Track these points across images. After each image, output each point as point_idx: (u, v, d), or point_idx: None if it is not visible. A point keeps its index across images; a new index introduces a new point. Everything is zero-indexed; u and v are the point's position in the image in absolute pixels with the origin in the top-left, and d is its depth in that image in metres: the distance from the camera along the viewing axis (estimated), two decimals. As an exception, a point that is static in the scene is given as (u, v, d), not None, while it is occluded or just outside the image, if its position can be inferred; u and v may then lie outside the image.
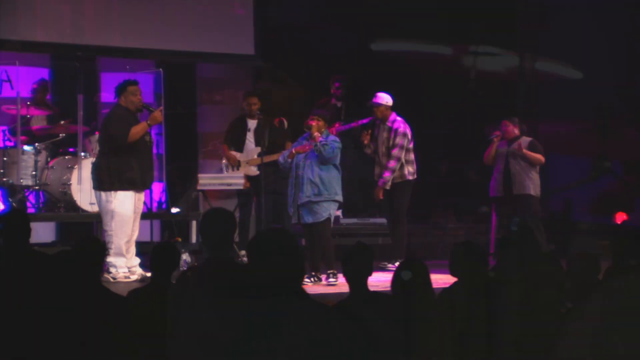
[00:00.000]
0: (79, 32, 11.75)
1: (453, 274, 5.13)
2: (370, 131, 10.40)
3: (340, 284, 8.36)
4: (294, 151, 9.00)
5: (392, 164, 10.13)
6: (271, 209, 10.46)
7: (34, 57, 11.87)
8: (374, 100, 10.30)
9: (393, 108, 10.32)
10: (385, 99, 10.29)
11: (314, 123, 9.04)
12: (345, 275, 5.07)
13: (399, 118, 10.27)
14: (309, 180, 8.96)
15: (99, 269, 5.25)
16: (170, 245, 5.80)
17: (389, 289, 5.01)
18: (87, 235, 5.81)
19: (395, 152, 10.13)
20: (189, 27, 12.41)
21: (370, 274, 5.04)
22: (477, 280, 4.84)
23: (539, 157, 10.42)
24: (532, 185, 10.39)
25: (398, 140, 10.17)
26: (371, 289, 5.10)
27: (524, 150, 10.32)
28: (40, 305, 3.80)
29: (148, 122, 9.01)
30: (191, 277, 4.89)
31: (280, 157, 9.13)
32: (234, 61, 12.90)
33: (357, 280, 4.99)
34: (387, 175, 10.14)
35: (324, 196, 8.97)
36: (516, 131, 10.54)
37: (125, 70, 11.35)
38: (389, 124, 10.26)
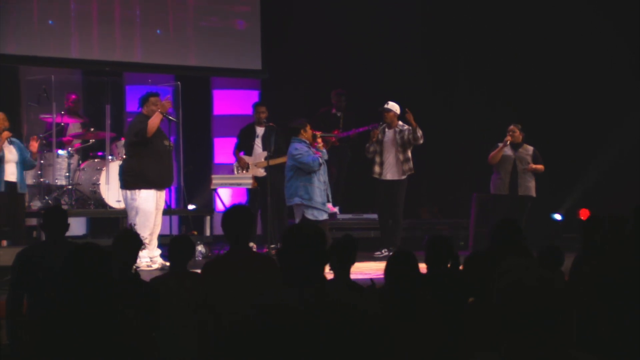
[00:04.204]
0: (107, 50, 11.88)
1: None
2: (377, 132, 10.50)
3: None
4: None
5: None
6: (276, 206, 10.54)
7: (68, 72, 11.99)
8: (387, 106, 10.43)
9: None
10: (395, 106, 10.44)
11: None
12: (330, 264, 4.96)
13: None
14: (328, 184, 9.11)
15: (134, 259, 5.29)
16: (186, 237, 5.81)
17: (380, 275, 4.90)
18: (126, 230, 5.83)
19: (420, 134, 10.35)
20: (203, 45, 12.52)
21: (353, 263, 4.98)
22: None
23: (542, 167, 10.48)
24: (534, 188, 10.49)
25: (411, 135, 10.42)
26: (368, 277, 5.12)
27: (533, 167, 10.39)
28: (77, 292, 3.87)
29: (160, 110, 8.99)
30: (217, 265, 4.93)
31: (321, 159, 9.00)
32: (244, 75, 13.00)
33: (342, 268, 4.92)
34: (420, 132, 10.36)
35: None
36: (521, 137, 10.56)
37: (147, 84, 11.45)
38: (397, 128, 10.42)
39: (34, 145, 9.46)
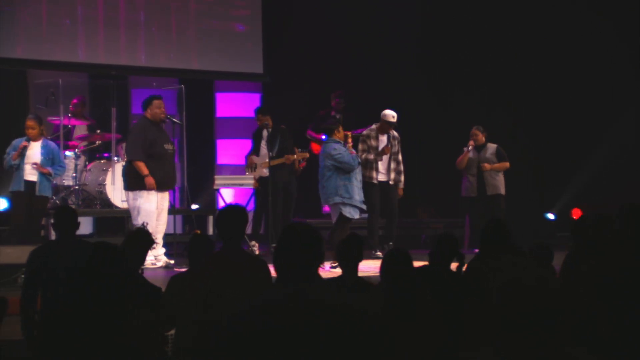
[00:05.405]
0: (112, 54, 11.84)
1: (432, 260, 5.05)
2: (390, 147, 10.35)
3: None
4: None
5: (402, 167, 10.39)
6: (281, 205, 10.46)
7: (75, 75, 11.94)
8: (394, 120, 10.25)
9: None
10: (393, 114, 10.32)
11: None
12: (338, 261, 5.03)
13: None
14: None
15: (142, 259, 5.25)
16: (205, 236, 5.73)
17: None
18: (139, 229, 5.78)
19: (400, 157, 10.37)
20: (206, 49, 12.48)
21: (360, 260, 5.00)
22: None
23: (504, 164, 10.42)
24: (502, 186, 10.42)
25: (399, 147, 10.38)
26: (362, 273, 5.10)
27: (491, 167, 10.34)
28: (87, 287, 3.81)
29: (146, 178, 8.93)
30: (208, 264, 4.88)
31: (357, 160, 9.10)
32: (246, 78, 12.96)
33: (350, 265, 4.94)
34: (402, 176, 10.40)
35: None
36: (483, 138, 10.52)
37: (152, 87, 11.41)
38: (391, 133, 10.34)
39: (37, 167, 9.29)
